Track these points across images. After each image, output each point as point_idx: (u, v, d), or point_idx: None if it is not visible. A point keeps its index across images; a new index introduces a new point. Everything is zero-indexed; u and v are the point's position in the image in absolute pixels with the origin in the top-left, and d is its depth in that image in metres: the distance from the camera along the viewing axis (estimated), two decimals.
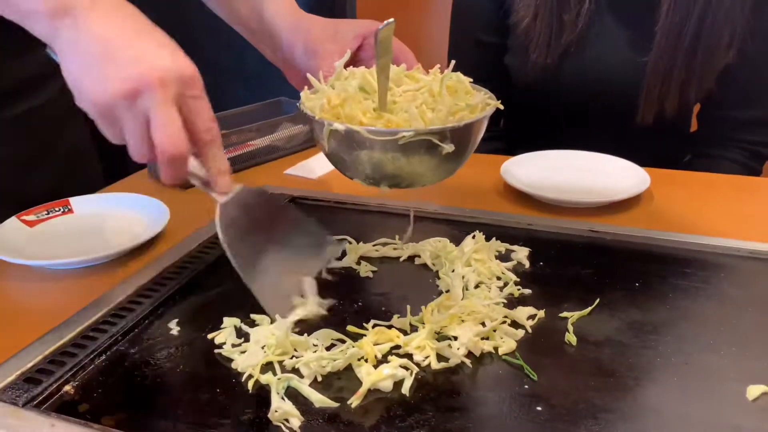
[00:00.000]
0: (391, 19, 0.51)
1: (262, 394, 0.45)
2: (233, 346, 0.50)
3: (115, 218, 0.71)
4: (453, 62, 0.55)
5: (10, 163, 0.76)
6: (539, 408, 0.43)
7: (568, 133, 1.02)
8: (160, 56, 0.46)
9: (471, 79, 0.56)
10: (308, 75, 0.58)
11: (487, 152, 1.05)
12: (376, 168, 0.52)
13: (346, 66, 0.59)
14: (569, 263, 0.62)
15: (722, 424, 0.42)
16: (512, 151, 1.09)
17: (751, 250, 0.63)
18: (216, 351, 0.50)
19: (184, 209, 0.72)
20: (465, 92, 0.55)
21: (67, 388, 0.46)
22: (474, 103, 0.53)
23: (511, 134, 1.13)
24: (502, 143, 1.11)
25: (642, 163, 0.83)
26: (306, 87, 0.58)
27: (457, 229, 0.70)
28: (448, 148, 0.50)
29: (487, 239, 0.65)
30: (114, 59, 0.45)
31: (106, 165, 0.93)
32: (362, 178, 0.54)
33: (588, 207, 0.75)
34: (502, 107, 0.54)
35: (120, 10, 0.48)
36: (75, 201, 0.72)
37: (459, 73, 0.56)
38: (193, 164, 0.49)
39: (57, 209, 0.70)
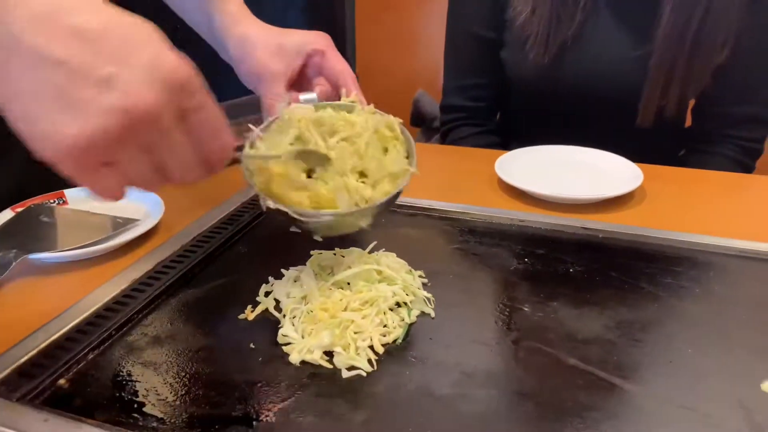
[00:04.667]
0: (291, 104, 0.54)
1: (256, 390, 0.45)
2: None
3: (109, 210, 0.71)
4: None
5: None
6: (526, 406, 0.44)
7: (564, 128, 1.02)
8: (141, 60, 0.34)
9: (401, 120, 0.56)
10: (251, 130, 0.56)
11: (482, 146, 1.06)
12: (308, 230, 0.55)
13: (291, 84, 0.63)
14: (560, 260, 0.63)
15: (707, 424, 0.43)
16: (507, 145, 1.10)
17: (740, 249, 0.64)
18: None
19: (179, 200, 0.72)
20: (393, 141, 0.55)
21: (61, 382, 0.46)
22: (395, 171, 0.54)
23: (506, 128, 1.13)
24: (497, 137, 1.11)
25: (636, 157, 0.84)
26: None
27: (449, 225, 0.71)
28: (364, 224, 0.53)
29: (479, 234, 0.65)
30: (83, 78, 0.32)
31: None
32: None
33: (581, 203, 0.75)
34: (417, 173, 0.54)
35: None
36: (70, 193, 0.72)
37: (389, 117, 0.56)
38: None
39: (52, 201, 0.70)
